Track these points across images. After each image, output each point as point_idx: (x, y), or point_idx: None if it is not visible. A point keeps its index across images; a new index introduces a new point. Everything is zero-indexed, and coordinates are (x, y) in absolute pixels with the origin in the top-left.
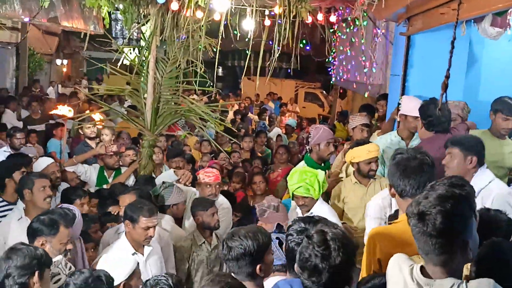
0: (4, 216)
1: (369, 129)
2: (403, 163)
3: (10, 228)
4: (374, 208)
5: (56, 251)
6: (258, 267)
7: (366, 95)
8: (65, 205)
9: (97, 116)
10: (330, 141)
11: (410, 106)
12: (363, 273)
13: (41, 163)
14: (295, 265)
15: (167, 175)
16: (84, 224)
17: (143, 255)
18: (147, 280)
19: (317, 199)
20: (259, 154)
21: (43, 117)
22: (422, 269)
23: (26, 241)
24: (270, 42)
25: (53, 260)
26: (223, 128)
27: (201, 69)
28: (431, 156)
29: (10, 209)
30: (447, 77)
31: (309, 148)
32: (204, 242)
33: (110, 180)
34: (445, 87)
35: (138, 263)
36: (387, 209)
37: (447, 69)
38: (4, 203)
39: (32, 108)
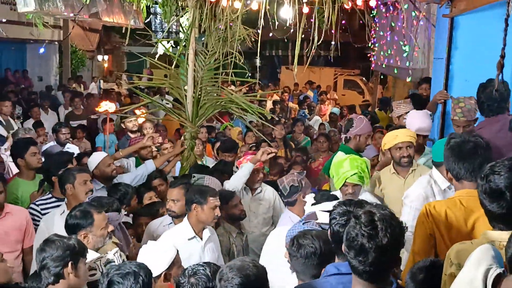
0: None
1: None
2: (457, 147)
3: (54, 222)
4: (417, 198)
5: (101, 237)
6: (323, 270)
7: (409, 79)
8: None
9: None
10: (370, 134)
11: (409, 121)
12: (415, 241)
13: (95, 158)
14: (343, 245)
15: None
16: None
17: (201, 239)
18: (185, 269)
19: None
20: (292, 144)
21: (85, 112)
22: (498, 277)
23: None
24: (309, 30)
25: (110, 252)
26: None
27: (239, 60)
28: (485, 139)
29: (59, 206)
30: (503, 56)
31: (347, 137)
32: (238, 233)
33: None
34: (501, 67)
35: (177, 251)
36: (430, 199)
37: (502, 48)
38: (53, 199)
39: (74, 104)
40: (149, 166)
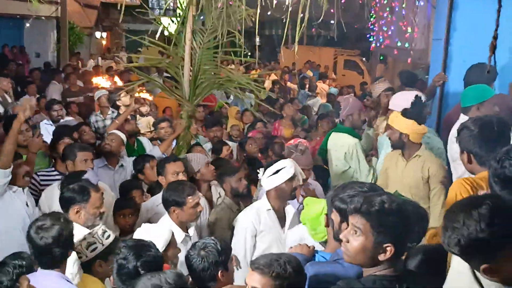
0: None
1: (392, 92)
2: (482, 132)
3: (53, 195)
4: None
5: (91, 215)
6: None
7: (409, 60)
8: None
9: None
10: (361, 109)
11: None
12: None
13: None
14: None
15: None
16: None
17: (190, 237)
18: (195, 243)
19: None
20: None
21: (81, 89)
22: (486, 269)
23: None
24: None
25: (91, 230)
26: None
27: (239, 39)
28: (509, 124)
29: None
30: (495, 38)
31: (341, 120)
32: (237, 209)
33: (135, 148)
34: (493, 48)
35: (173, 233)
36: None
37: (494, 29)
38: (56, 172)
39: (70, 80)
40: (155, 152)
